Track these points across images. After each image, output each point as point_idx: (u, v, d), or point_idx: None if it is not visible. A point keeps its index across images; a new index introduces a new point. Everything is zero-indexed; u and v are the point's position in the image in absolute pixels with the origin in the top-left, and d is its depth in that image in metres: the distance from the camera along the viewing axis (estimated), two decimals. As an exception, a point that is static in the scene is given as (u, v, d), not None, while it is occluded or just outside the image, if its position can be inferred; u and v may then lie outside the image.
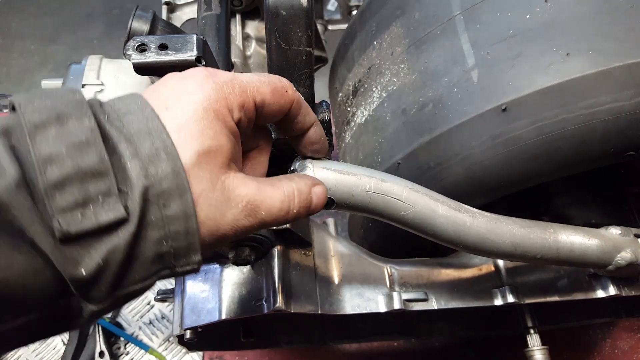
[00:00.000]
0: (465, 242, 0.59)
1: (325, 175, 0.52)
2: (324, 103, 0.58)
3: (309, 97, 0.55)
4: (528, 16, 0.65)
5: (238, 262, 0.64)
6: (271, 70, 0.53)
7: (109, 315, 1.23)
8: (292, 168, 0.54)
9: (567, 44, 0.61)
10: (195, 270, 0.38)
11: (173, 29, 0.75)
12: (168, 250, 0.35)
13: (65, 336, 1.23)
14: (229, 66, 0.66)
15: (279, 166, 0.55)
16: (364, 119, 0.85)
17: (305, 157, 0.54)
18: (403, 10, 0.80)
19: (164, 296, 0.78)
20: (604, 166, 0.75)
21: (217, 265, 0.69)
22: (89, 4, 2.11)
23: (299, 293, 0.67)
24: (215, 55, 0.65)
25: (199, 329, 0.69)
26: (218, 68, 0.58)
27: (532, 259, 0.63)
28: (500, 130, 0.64)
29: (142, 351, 1.21)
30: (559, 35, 0.62)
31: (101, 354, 1.17)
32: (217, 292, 0.67)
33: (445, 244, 0.61)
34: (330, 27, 1.13)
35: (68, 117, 0.33)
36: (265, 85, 0.43)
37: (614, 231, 0.69)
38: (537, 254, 0.62)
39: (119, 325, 1.24)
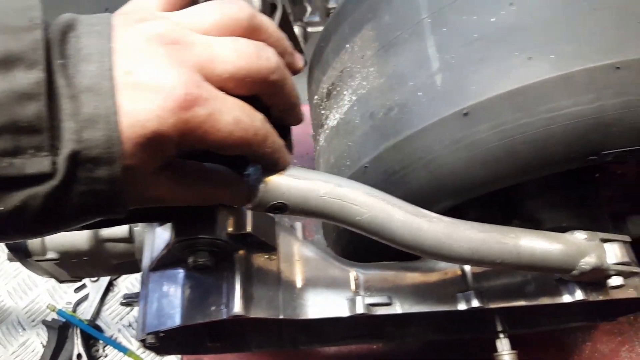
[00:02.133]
0: (422, 247, 0.59)
1: (278, 180, 0.52)
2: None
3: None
4: (493, 19, 0.65)
5: (197, 267, 0.64)
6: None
7: (89, 317, 1.23)
8: (246, 173, 0.54)
9: (529, 47, 0.61)
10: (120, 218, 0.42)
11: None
12: (93, 203, 0.37)
13: (45, 338, 1.23)
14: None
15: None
16: (335, 122, 0.85)
17: None
18: (374, 13, 0.80)
19: (130, 300, 0.77)
20: (576, 169, 0.75)
21: (181, 270, 0.69)
22: (79, 4, 2.11)
23: (261, 298, 0.67)
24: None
25: (161, 334, 0.69)
26: None
27: (492, 263, 0.62)
28: (462, 135, 0.63)
29: (121, 354, 1.21)
30: (521, 38, 0.62)
31: (79, 356, 1.17)
32: (178, 297, 0.67)
33: (403, 248, 0.60)
34: (309, 29, 1.13)
35: (16, 64, 0.33)
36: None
37: (579, 236, 0.69)
38: (497, 258, 0.61)
39: (98, 328, 1.23)
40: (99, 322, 1.25)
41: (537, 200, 0.82)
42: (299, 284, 0.71)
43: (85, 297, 1.25)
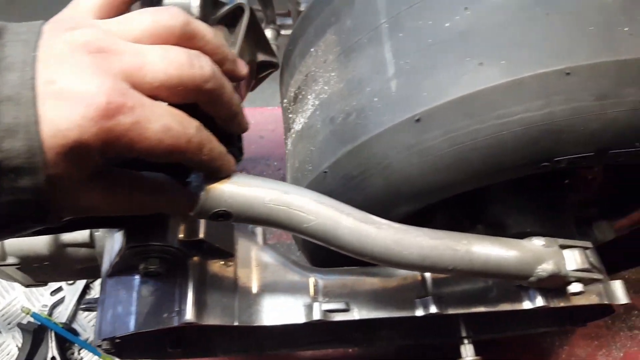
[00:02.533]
0: (370, 254, 0.59)
1: (220, 188, 0.52)
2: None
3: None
4: (447, 24, 0.64)
5: (148, 274, 0.63)
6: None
7: (64, 320, 1.22)
8: (187, 180, 0.53)
9: (481, 53, 0.61)
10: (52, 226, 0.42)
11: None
12: (21, 213, 0.38)
13: (20, 341, 1.23)
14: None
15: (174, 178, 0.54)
16: (300, 126, 0.84)
17: None
18: (337, 17, 0.79)
19: (89, 305, 0.77)
20: (542, 174, 0.74)
21: (136, 276, 0.68)
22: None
23: (215, 305, 0.66)
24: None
25: (117, 340, 0.68)
26: None
27: (444, 270, 0.62)
28: (415, 141, 0.63)
29: (96, 357, 1.21)
30: (474, 44, 0.62)
31: (53, 359, 1.16)
32: (133, 303, 0.67)
33: (352, 255, 0.60)
34: (282, 32, 1.12)
35: None
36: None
37: (537, 242, 0.69)
38: (448, 265, 0.61)
39: (74, 331, 1.23)
40: (75, 325, 1.25)
41: (502, 205, 0.82)
42: (255, 290, 0.70)
43: (62, 300, 1.24)
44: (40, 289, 1.28)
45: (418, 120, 0.62)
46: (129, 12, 0.48)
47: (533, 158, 0.60)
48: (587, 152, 0.59)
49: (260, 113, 1.54)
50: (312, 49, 0.83)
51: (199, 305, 0.64)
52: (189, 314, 0.63)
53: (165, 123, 0.40)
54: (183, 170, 0.53)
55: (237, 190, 0.52)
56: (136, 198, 0.47)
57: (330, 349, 0.97)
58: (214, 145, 0.47)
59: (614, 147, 0.59)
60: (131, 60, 0.40)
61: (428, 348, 1.13)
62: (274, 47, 1.06)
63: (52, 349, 1.16)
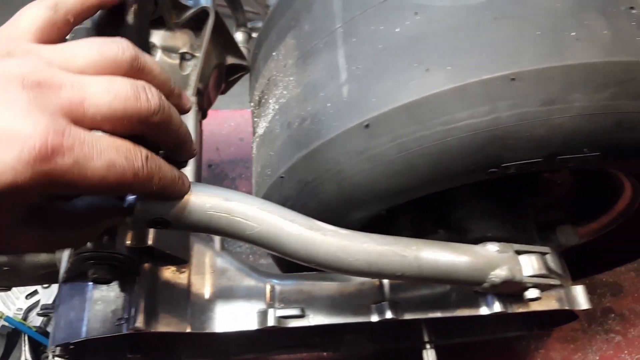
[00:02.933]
0: (315, 260, 0.58)
1: (157, 195, 0.51)
2: (171, 120, 0.57)
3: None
4: (398, 30, 0.64)
5: (97, 281, 0.63)
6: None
7: (38, 324, 1.22)
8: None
9: (428, 59, 0.60)
10: None
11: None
12: None
13: (-5, 345, 1.22)
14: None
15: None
16: (262, 130, 0.84)
17: None
18: (297, 21, 0.79)
19: (46, 311, 0.77)
20: (505, 178, 0.74)
21: (89, 283, 0.68)
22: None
23: (167, 312, 0.66)
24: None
25: (71, 346, 0.68)
26: None
27: (393, 276, 0.61)
28: (365, 147, 0.63)
29: (71, 360, 1.20)
30: (422, 49, 0.61)
31: (26, 363, 1.16)
32: (85, 309, 0.66)
33: (298, 261, 0.60)
34: (254, 34, 1.12)
35: None
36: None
37: (491, 248, 0.68)
38: (396, 271, 0.61)
39: (49, 335, 1.23)
40: (50, 329, 1.25)
41: (463, 209, 0.82)
42: (209, 296, 0.70)
43: (37, 304, 1.24)
44: (16, 292, 1.27)
45: (367, 126, 0.62)
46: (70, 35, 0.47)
47: (480, 164, 0.60)
48: (534, 158, 0.59)
49: (241, 115, 1.54)
50: (274, 53, 0.83)
51: (149, 312, 0.64)
52: (138, 321, 0.63)
53: (109, 159, 0.37)
54: None
55: (175, 197, 0.52)
56: (72, 234, 0.45)
57: (298, 354, 0.97)
58: (164, 173, 0.44)
59: (562, 152, 0.59)
60: (72, 94, 0.37)
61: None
62: (244, 50, 1.06)
63: (26, 353, 1.16)
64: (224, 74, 1.01)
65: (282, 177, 0.73)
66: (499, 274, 0.66)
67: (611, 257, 1.07)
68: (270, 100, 0.82)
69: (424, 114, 0.59)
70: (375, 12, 0.67)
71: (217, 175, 1.41)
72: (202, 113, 0.98)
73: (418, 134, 0.59)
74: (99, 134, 0.38)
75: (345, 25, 0.69)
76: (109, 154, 0.38)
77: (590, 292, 1.28)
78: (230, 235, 0.56)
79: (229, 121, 1.50)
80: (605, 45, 0.57)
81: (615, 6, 0.60)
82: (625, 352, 1.20)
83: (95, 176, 0.37)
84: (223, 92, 1.08)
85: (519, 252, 0.70)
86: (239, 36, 1.08)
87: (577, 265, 1.06)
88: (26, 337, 1.18)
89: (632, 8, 0.60)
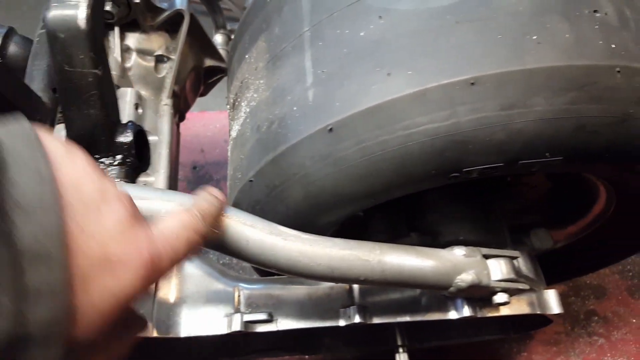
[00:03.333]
0: (277, 265, 0.58)
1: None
2: (130, 124, 0.57)
3: (103, 118, 0.53)
4: (362, 34, 0.64)
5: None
6: (60, 92, 0.52)
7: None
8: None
9: (390, 63, 0.60)
10: None
11: (29, 46, 0.75)
12: None
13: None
14: (55, 84, 0.65)
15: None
16: (235, 133, 0.84)
17: None
18: (268, 24, 0.79)
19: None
20: (476, 182, 0.74)
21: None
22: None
23: (132, 314, 0.66)
24: (42, 74, 0.64)
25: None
26: (20, 91, 0.57)
27: (356, 281, 0.61)
28: (329, 151, 0.62)
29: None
30: (384, 54, 0.61)
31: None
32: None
33: (259, 267, 0.60)
34: (233, 36, 1.11)
35: None
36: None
37: (458, 252, 0.68)
38: (359, 276, 0.60)
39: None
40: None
41: (435, 213, 0.81)
42: (174, 300, 0.70)
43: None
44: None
45: (331, 130, 0.62)
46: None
47: (442, 169, 0.59)
48: (496, 163, 0.59)
49: (226, 117, 1.53)
50: (246, 56, 0.83)
51: (114, 316, 0.64)
52: (102, 325, 0.62)
53: (186, 237, 0.43)
54: None
55: (132, 203, 0.52)
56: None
57: (274, 357, 0.97)
58: (208, 212, 0.48)
59: (524, 157, 0.59)
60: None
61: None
62: (224, 52, 1.06)
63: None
64: (202, 76, 1.01)
65: (251, 180, 0.73)
66: (465, 278, 0.66)
67: (593, 260, 1.07)
68: (242, 103, 0.82)
69: (385, 118, 0.59)
70: (342, 15, 0.66)
71: (202, 176, 1.41)
72: (180, 115, 0.98)
73: (380, 138, 0.59)
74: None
75: (313, 28, 0.69)
76: (183, 234, 0.42)
77: (574, 295, 1.28)
78: (190, 240, 0.56)
79: (214, 123, 1.50)
80: (567, 49, 0.57)
81: (579, 9, 0.59)
82: (608, 354, 1.20)
83: (182, 255, 0.42)
84: (203, 94, 1.08)
85: (487, 256, 0.70)
86: (218, 38, 1.08)
87: (559, 268, 1.07)
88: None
89: (595, 11, 0.60)
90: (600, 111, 0.57)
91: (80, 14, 0.48)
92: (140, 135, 0.57)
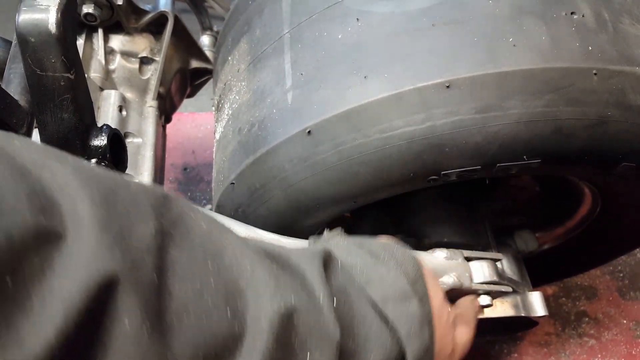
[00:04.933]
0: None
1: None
2: (105, 127, 0.57)
3: (77, 121, 0.53)
4: (340, 36, 0.63)
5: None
6: (33, 96, 0.52)
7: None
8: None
9: (366, 66, 0.60)
10: None
11: (9, 47, 0.74)
12: None
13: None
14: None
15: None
16: (218, 135, 0.84)
17: None
18: (249, 26, 0.79)
19: None
20: (460, 184, 0.73)
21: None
22: None
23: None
24: (19, 77, 0.64)
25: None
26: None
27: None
28: (308, 154, 0.62)
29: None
30: (361, 56, 0.61)
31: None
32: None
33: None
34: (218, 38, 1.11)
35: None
36: None
37: (439, 254, 0.68)
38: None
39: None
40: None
41: (421, 215, 0.81)
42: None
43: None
44: None
45: (309, 133, 0.62)
46: None
47: (419, 172, 0.59)
48: (473, 166, 0.59)
49: (218, 118, 1.53)
50: (229, 57, 0.83)
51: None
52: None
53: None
54: None
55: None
56: None
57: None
58: None
59: (501, 160, 0.58)
60: None
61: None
62: (210, 53, 1.05)
63: None
64: (188, 77, 1.01)
65: (232, 183, 0.73)
66: (446, 280, 0.66)
67: (581, 261, 1.07)
68: (225, 105, 0.82)
69: (362, 121, 0.58)
70: (320, 17, 0.66)
71: (193, 178, 1.41)
72: (165, 117, 0.98)
73: (357, 141, 0.59)
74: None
75: (293, 30, 0.69)
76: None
77: (565, 296, 1.28)
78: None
79: (205, 124, 1.50)
80: (544, 51, 0.57)
81: (556, 11, 0.59)
82: (599, 356, 1.19)
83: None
84: (190, 96, 1.08)
85: (469, 259, 0.70)
86: (205, 40, 1.08)
87: (549, 269, 1.07)
88: None
89: (573, 13, 0.59)
90: (577, 114, 0.57)
91: (50, 18, 0.48)
92: (116, 139, 0.57)
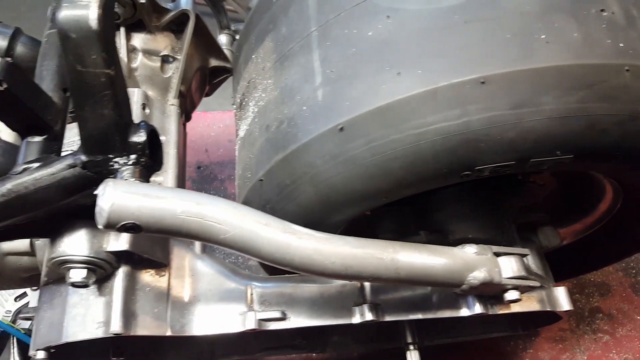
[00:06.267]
0: (291, 263, 0.59)
1: (126, 200, 0.52)
2: (143, 124, 0.57)
3: (117, 117, 0.54)
4: (370, 33, 0.64)
5: (75, 285, 0.63)
6: (72, 92, 0.52)
7: (27, 326, 1.23)
8: (95, 192, 0.53)
9: (399, 62, 0.60)
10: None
11: (37, 46, 0.75)
12: None
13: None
14: (66, 84, 0.65)
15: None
16: (243, 133, 0.84)
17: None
18: (274, 24, 0.79)
19: (29, 315, 0.77)
20: (486, 180, 0.74)
21: (68, 286, 0.68)
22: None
23: (145, 315, 0.66)
24: (52, 74, 0.64)
25: (52, 350, 0.68)
26: (32, 91, 0.57)
27: (369, 278, 0.62)
28: (339, 150, 0.63)
29: (60, 363, 1.21)
30: (393, 53, 0.61)
31: (15, 365, 1.17)
32: (64, 313, 0.67)
33: (274, 265, 0.60)
34: (238, 37, 1.12)
35: None
36: None
37: (469, 249, 0.68)
38: (373, 274, 0.61)
39: (38, 337, 1.23)
40: (39, 331, 1.25)
41: (445, 211, 0.82)
42: (188, 299, 0.70)
43: (26, 306, 1.25)
44: (5, 294, 1.28)
45: (341, 129, 0.62)
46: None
47: (453, 167, 0.60)
48: (507, 161, 0.59)
49: (230, 117, 1.53)
50: (253, 56, 0.83)
51: (127, 316, 0.64)
52: (116, 325, 0.63)
53: None
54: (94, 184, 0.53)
55: (145, 202, 0.52)
56: None
57: (284, 356, 0.97)
58: None
59: (535, 156, 0.59)
60: None
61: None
62: (228, 52, 1.06)
63: (14, 355, 1.16)
64: (207, 76, 1.02)
65: (261, 180, 0.73)
66: (477, 275, 0.66)
67: (598, 258, 1.08)
68: (250, 103, 0.82)
69: (396, 117, 0.59)
70: (349, 15, 0.67)
71: (206, 176, 1.41)
72: (186, 115, 0.98)
73: (391, 137, 0.59)
74: None
75: (320, 28, 0.69)
76: None
77: (578, 292, 1.29)
78: (204, 240, 0.57)
79: (217, 123, 1.50)
80: (576, 48, 0.57)
81: (586, 9, 0.60)
82: (614, 351, 1.20)
83: None
84: (208, 95, 1.08)
85: (498, 254, 0.70)
86: (222, 39, 1.08)
87: (565, 265, 1.07)
88: (15, 340, 1.19)
89: (602, 10, 0.60)
90: (610, 110, 0.58)
91: (91, 14, 0.48)
92: (153, 135, 0.57)
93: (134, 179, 0.55)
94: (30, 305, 1.23)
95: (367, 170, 0.62)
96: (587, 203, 0.92)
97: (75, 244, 0.62)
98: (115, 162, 0.55)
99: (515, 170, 0.61)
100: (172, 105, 0.91)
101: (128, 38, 0.89)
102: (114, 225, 0.52)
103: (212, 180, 1.41)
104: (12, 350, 1.18)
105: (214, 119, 1.51)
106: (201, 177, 1.41)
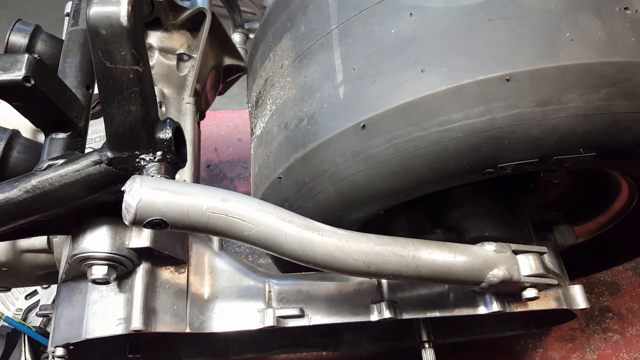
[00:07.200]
0: (314, 260, 0.59)
1: (154, 196, 0.52)
2: (168, 120, 0.57)
3: (144, 114, 0.54)
4: (393, 31, 0.64)
5: (96, 281, 0.63)
6: (100, 88, 0.52)
7: (37, 324, 1.23)
8: (122, 189, 0.53)
9: (423, 59, 0.60)
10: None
11: (57, 43, 0.75)
12: None
13: (-4, 346, 1.22)
14: (89, 80, 0.65)
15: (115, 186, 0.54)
16: (260, 131, 0.84)
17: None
18: (293, 22, 0.79)
19: (45, 312, 0.77)
20: (502, 179, 0.74)
21: (88, 282, 0.68)
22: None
23: (165, 312, 0.66)
24: (75, 71, 0.65)
25: (71, 346, 0.68)
26: (57, 87, 0.57)
27: (391, 276, 0.62)
28: (361, 148, 0.63)
29: (70, 361, 1.21)
30: (417, 50, 0.61)
31: (26, 363, 1.17)
32: (84, 309, 0.67)
33: (297, 262, 0.60)
34: (251, 35, 1.12)
35: None
36: None
37: (489, 247, 0.68)
38: (395, 271, 0.61)
39: (48, 335, 1.23)
40: (49, 329, 1.25)
41: (461, 209, 0.82)
42: (207, 296, 0.70)
43: (36, 304, 1.24)
44: (15, 292, 1.27)
45: (363, 127, 0.62)
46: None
47: (476, 165, 0.60)
48: (530, 159, 0.59)
49: (239, 116, 1.54)
50: (270, 54, 0.83)
51: (147, 313, 0.64)
52: (137, 322, 0.63)
53: None
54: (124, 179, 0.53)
55: (172, 198, 0.52)
56: None
57: (298, 353, 0.97)
58: None
59: (558, 153, 0.59)
60: None
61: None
62: (242, 50, 1.06)
63: (25, 353, 1.16)
64: (221, 74, 1.02)
65: (279, 177, 0.74)
66: (497, 273, 0.66)
67: (610, 256, 1.08)
68: (267, 101, 0.82)
69: (419, 114, 0.59)
70: (371, 13, 0.67)
71: (216, 175, 1.41)
72: (200, 114, 0.98)
73: (414, 134, 0.59)
74: None
75: (341, 26, 0.69)
76: None
77: (588, 292, 1.29)
78: (228, 236, 0.57)
79: (227, 122, 1.50)
80: (600, 46, 0.57)
81: (610, 7, 0.60)
82: (624, 350, 1.21)
83: None
84: (221, 93, 1.09)
85: (516, 252, 0.70)
86: (236, 37, 1.08)
87: (575, 264, 1.07)
88: (26, 338, 1.18)
89: (626, 9, 0.60)
90: (634, 107, 0.58)
91: (122, 10, 0.48)
92: (178, 132, 0.57)
93: (159, 176, 0.55)
94: (42, 303, 1.23)
95: (389, 168, 0.62)
96: (601, 202, 0.92)
97: (97, 241, 0.62)
98: (142, 158, 0.55)
99: (538, 168, 0.62)
100: (188, 103, 0.91)
101: (145, 36, 0.89)
102: (141, 222, 0.52)
103: (222, 179, 1.41)
104: (23, 348, 1.18)
105: (223, 118, 1.51)
106: (211, 175, 1.41)
